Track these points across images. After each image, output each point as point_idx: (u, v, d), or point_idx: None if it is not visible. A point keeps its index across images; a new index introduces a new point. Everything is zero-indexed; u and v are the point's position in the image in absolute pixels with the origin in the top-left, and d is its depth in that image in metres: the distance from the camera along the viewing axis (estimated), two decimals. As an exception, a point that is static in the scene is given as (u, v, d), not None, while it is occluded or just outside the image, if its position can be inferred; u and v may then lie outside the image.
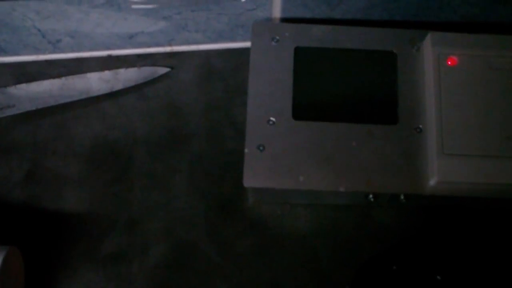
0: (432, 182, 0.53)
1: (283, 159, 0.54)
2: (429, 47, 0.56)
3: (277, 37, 0.57)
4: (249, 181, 0.53)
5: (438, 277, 0.45)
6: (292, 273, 0.55)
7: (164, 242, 0.56)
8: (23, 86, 0.60)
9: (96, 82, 0.61)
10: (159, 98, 0.61)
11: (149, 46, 0.63)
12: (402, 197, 0.54)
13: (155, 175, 0.58)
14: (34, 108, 0.59)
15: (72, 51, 0.62)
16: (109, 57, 0.63)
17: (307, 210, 0.57)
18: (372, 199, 0.55)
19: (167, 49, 0.63)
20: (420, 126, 0.55)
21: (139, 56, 0.63)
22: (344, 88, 0.56)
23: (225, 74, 0.62)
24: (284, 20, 0.61)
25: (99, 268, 0.55)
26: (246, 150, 0.54)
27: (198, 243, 0.56)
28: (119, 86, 0.61)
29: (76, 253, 0.55)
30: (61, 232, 0.56)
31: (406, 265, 0.47)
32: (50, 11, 0.57)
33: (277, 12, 0.61)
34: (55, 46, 0.61)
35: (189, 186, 0.58)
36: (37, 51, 0.62)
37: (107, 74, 0.61)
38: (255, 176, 0.53)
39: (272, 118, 0.55)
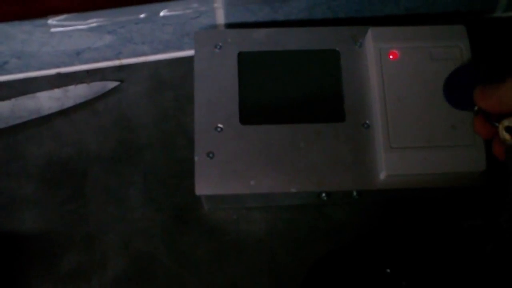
0: (381, 176, 0.54)
1: (233, 164, 0.54)
2: (370, 42, 0.56)
3: (220, 44, 0.57)
4: (201, 189, 0.53)
5: (388, 270, 0.46)
6: (251, 276, 0.55)
7: (123, 256, 0.56)
8: (-27, 110, 0.60)
9: (46, 101, 0.61)
10: (110, 112, 0.61)
11: (97, 61, 0.63)
12: (354, 193, 0.55)
13: (110, 189, 0.58)
14: (-16, 132, 0.59)
15: (20, 71, 0.62)
16: (58, 75, 0.63)
17: (262, 212, 0.57)
18: (325, 198, 0.55)
19: (116, 62, 0.63)
20: (367, 122, 0.55)
21: (88, 71, 0.63)
22: (290, 89, 0.57)
23: (174, 83, 0.62)
24: (229, 25, 0.62)
25: (58, 286, 0.55)
26: (196, 158, 0.54)
27: (156, 254, 0.56)
28: (69, 103, 0.61)
29: (35, 273, 0.55)
30: (19, 253, 0.56)
31: (358, 260, 0.48)
32: (-7, 34, 0.57)
33: (221, 18, 0.61)
34: (2, 68, 0.61)
35: (145, 198, 0.58)
36: (-16, 74, 0.62)
37: (57, 92, 0.61)
38: (206, 184, 0.54)
39: (220, 125, 0.55)
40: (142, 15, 0.57)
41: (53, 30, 0.56)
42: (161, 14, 0.57)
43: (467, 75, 0.53)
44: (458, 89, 0.53)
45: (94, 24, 0.57)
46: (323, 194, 0.55)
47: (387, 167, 0.53)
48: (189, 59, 0.63)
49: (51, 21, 0.55)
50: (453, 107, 0.53)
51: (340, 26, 0.59)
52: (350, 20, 0.63)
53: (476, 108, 0.50)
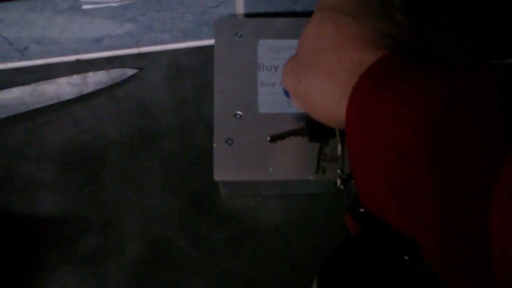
0: (399, 165, 0.54)
1: (251, 151, 0.54)
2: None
3: (240, 32, 0.58)
4: (219, 175, 0.54)
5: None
6: (267, 263, 0.56)
7: (140, 240, 0.56)
8: (-7, 94, 0.61)
9: (65, 87, 0.61)
10: (129, 99, 0.62)
11: (116, 48, 0.63)
12: (371, 182, 0.55)
13: (128, 174, 0.59)
14: (4, 116, 0.60)
15: (40, 57, 0.63)
16: (78, 61, 0.63)
17: (279, 200, 0.58)
18: (341, 187, 0.55)
19: (135, 50, 0.64)
20: (385, 111, 0.56)
21: (107, 59, 0.63)
22: (309, 78, 0.57)
23: (193, 72, 0.63)
24: (248, 15, 0.62)
25: (76, 270, 0.55)
26: (215, 145, 0.54)
27: (173, 239, 0.56)
28: (88, 89, 0.62)
29: (53, 256, 0.56)
30: (37, 236, 0.56)
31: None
32: (14, 19, 0.58)
33: (240, 8, 0.62)
34: (23, 53, 0.62)
35: (162, 184, 0.58)
36: (5, 59, 0.62)
37: (76, 78, 0.62)
38: (225, 170, 0.54)
39: (239, 112, 0.55)
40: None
41: (84, 7, 0.56)
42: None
43: None
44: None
45: (126, 2, 0.57)
46: (340, 183, 0.55)
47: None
48: (208, 48, 0.64)
49: (83, -3, 0.56)
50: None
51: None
52: (368, 12, 0.63)
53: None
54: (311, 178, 0.54)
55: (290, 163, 0.54)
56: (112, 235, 0.57)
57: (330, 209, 0.57)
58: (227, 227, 0.57)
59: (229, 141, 0.54)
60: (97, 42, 0.62)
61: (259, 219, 0.57)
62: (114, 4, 0.58)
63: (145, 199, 0.58)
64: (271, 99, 0.56)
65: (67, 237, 0.57)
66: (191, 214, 0.57)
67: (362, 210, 0.48)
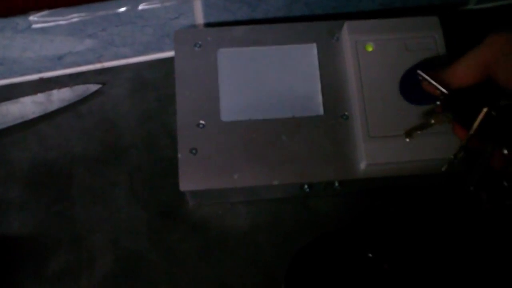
0: (362, 166, 0.55)
1: (216, 159, 0.55)
2: (346, 35, 0.57)
3: (200, 42, 0.58)
4: (185, 185, 0.54)
5: (370, 255, 0.47)
6: (237, 269, 0.56)
7: (110, 254, 0.56)
8: (-43, 117, 0.61)
9: (30, 106, 0.62)
10: (93, 114, 0.62)
11: (79, 65, 0.64)
12: (336, 184, 0.56)
13: (95, 190, 0.59)
14: (-31, 138, 0.60)
15: (3, 77, 0.63)
16: (41, 79, 0.63)
17: (247, 206, 0.58)
18: (307, 189, 0.56)
19: (97, 66, 0.64)
20: (346, 113, 0.56)
21: (70, 75, 0.64)
22: (269, 85, 0.58)
23: (156, 84, 0.63)
24: (208, 25, 0.63)
25: (47, 287, 0.55)
26: (179, 155, 0.55)
27: (143, 251, 0.57)
28: (53, 107, 0.62)
29: (24, 275, 0.56)
30: (7, 256, 0.56)
31: (339, 247, 0.49)
32: (-26, 41, 0.58)
33: (199, 18, 0.62)
34: (-15, 74, 0.62)
35: (130, 197, 0.59)
36: (-33, 81, 0.62)
37: (40, 96, 0.62)
38: (190, 179, 0.54)
39: (202, 121, 0.56)
40: (121, 9, 0.58)
41: (34, 26, 0.57)
42: (140, 7, 0.58)
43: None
44: (415, 86, 0.54)
45: (76, 19, 0.57)
46: (306, 186, 0.56)
47: (367, 156, 0.54)
48: (170, 60, 0.64)
49: (33, 17, 0.56)
50: (412, 103, 0.55)
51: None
52: (327, 16, 0.64)
53: (438, 102, 0.51)
54: (275, 182, 0.54)
55: (254, 169, 0.54)
56: (82, 251, 0.57)
57: (297, 213, 0.58)
58: (196, 236, 0.57)
59: (193, 151, 0.55)
60: (59, 60, 0.63)
61: (228, 227, 0.57)
62: (63, 22, 0.58)
63: (114, 213, 0.58)
64: (233, 107, 0.57)
65: (37, 256, 0.56)
66: (160, 225, 0.58)
67: None
